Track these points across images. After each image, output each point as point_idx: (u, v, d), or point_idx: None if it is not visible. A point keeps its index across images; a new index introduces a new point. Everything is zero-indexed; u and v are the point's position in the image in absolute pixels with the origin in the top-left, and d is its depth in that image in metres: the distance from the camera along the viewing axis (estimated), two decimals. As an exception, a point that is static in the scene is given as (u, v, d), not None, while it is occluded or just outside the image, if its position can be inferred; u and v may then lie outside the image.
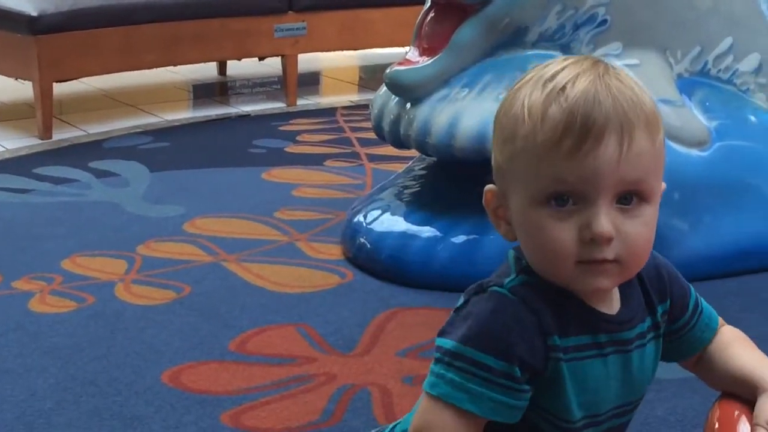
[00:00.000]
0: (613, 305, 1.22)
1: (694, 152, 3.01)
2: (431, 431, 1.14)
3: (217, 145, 4.44)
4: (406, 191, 3.24)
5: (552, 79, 1.14)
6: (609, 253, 1.12)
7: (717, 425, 1.19)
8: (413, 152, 3.28)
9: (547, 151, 1.11)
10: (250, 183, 3.94)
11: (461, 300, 1.20)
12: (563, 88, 1.12)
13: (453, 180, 3.11)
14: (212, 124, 4.83)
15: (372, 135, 3.37)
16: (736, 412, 1.20)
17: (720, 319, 1.36)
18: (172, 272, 3.10)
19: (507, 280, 1.18)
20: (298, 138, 4.53)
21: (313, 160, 4.20)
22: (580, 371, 1.18)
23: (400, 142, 3.12)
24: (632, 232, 1.13)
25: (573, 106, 1.11)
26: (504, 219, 1.20)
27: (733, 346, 1.31)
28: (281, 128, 4.69)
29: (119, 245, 3.31)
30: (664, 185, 1.20)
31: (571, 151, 1.10)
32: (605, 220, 1.11)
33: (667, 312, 1.27)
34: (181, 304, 2.89)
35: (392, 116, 3.10)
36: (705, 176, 3.00)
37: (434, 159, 3.23)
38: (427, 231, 3.00)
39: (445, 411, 1.13)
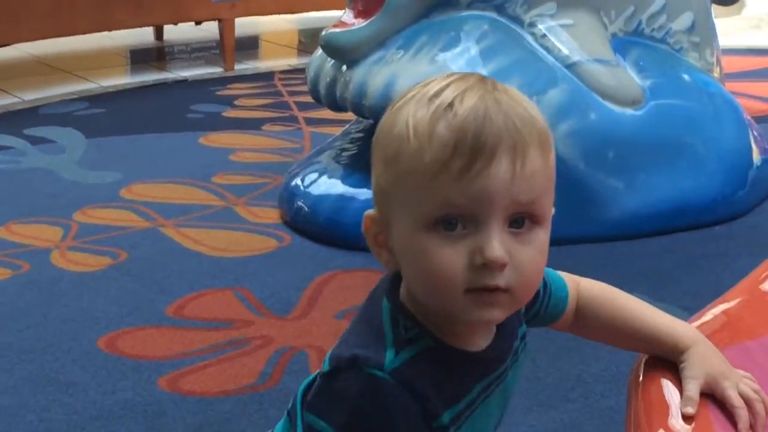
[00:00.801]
0: (489, 335, 1.15)
1: (629, 111, 3.03)
2: None
3: (154, 110, 4.42)
4: (343, 154, 3.24)
5: (437, 95, 1.05)
6: (501, 280, 1.03)
7: (641, 379, 1.21)
8: (350, 115, 3.28)
9: (436, 172, 1.02)
10: (188, 148, 3.93)
11: (328, 366, 1.09)
12: (450, 105, 1.03)
13: (389, 142, 3.11)
14: (149, 89, 4.80)
15: (310, 99, 3.37)
16: (659, 372, 1.20)
17: (573, 280, 1.30)
18: (109, 238, 3.09)
19: (387, 360, 1.07)
20: (236, 102, 4.52)
21: (251, 125, 4.19)
22: (468, 427, 1.13)
23: (336, 105, 3.12)
24: (526, 260, 1.04)
25: (462, 124, 1.02)
26: (385, 247, 1.10)
27: (605, 305, 1.28)
28: (219, 93, 4.67)
29: (55, 212, 3.29)
30: (553, 210, 1.10)
31: (461, 172, 1.01)
32: (498, 244, 1.02)
33: (526, 311, 1.23)
34: (118, 270, 2.88)
35: (328, 79, 3.10)
36: (639, 135, 3.02)
37: (371, 121, 3.23)
38: (364, 193, 3.01)
39: None
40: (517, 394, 2.22)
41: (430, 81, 1.09)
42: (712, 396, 1.16)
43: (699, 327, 1.29)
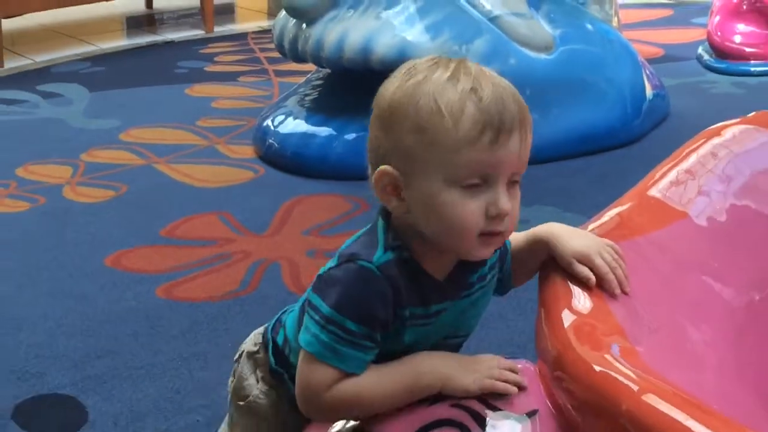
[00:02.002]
0: (448, 270, 1.20)
1: (542, 56, 3.03)
2: (312, 387, 1.15)
3: (147, 67, 4.36)
4: (306, 98, 3.22)
5: (455, 79, 1.12)
6: (503, 226, 1.13)
7: (548, 272, 1.21)
8: (311, 66, 3.26)
9: (468, 143, 1.10)
10: (176, 98, 3.89)
11: (335, 261, 1.17)
12: (473, 90, 1.11)
13: (344, 87, 3.10)
14: (142, 50, 4.74)
15: (278, 54, 3.34)
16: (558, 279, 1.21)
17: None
18: (111, 174, 3.07)
19: (375, 256, 1.15)
20: (216, 59, 4.47)
21: (229, 77, 4.15)
22: (420, 332, 1.19)
23: (298, 58, 3.10)
24: (515, 209, 1.14)
25: (488, 107, 1.10)
26: (395, 195, 1.15)
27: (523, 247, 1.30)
28: (201, 51, 4.62)
29: (65, 154, 3.26)
30: None
31: (491, 143, 1.10)
32: (506, 199, 1.12)
33: (495, 263, 1.26)
34: (119, 201, 2.86)
35: (291, 36, 3.07)
36: (551, 75, 3.02)
37: (328, 70, 3.21)
38: (324, 131, 3.00)
39: (319, 367, 1.14)
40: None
41: (428, 62, 1.16)
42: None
43: (597, 227, 1.30)
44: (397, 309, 1.15)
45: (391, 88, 1.15)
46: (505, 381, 1.16)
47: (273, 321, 1.33)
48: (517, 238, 1.29)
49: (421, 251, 1.17)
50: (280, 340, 1.29)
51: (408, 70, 1.16)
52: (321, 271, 1.18)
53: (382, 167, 1.14)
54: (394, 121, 1.14)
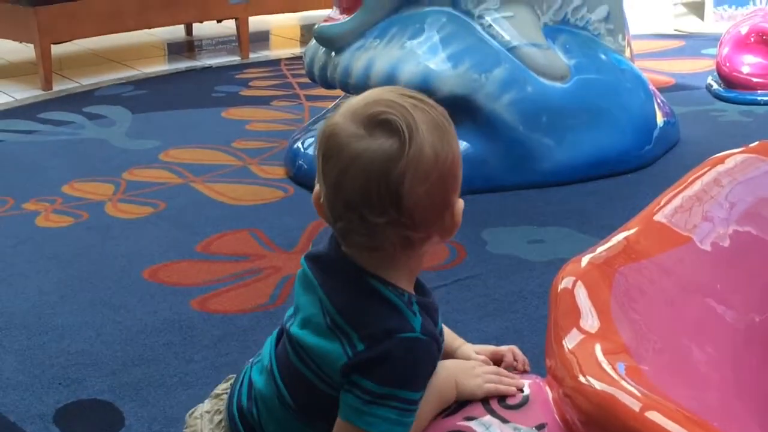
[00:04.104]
0: None
1: (558, 84, 3.02)
2: None
3: (186, 91, 4.39)
4: (334, 122, 3.23)
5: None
6: None
7: (559, 290, 1.21)
8: (339, 92, 3.27)
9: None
10: (213, 120, 3.91)
11: (362, 345, 1.08)
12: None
13: (370, 112, 3.10)
14: (182, 75, 4.77)
15: (309, 80, 3.35)
16: (572, 285, 1.21)
17: None
18: (150, 192, 3.09)
19: (415, 324, 1.09)
20: (251, 84, 4.49)
21: (262, 101, 4.17)
22: None
23: (327, 84, 3.11)
24: None
25: None
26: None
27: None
28: (237, 76, 4.64)
29: (108, 172, 3.28)
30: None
31: None
32: None
33: None
34: (158, 217, 2.88)
35: (321, 63, 3.09)
36: (567, 103, 3.01)
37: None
38: (350, 153, 3.01)
39: None
40: (471, 306, 2.26)
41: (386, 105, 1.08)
42: (617, 306, 1.17)
43: (605, 250, 1.29)
44: None
45: None
46: (500, 383, 1.16)
47: (238, 386, 1.24)
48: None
49: (408, 281, 1.13)
50: (252, 409, 1.20)
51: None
52: (345, 357, 1.09)
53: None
54: (453, 180, 1.14)
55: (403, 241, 1.09)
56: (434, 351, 1.10)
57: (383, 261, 1.11)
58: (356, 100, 1.11)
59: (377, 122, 1.06)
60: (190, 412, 1.29)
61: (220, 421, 1.23)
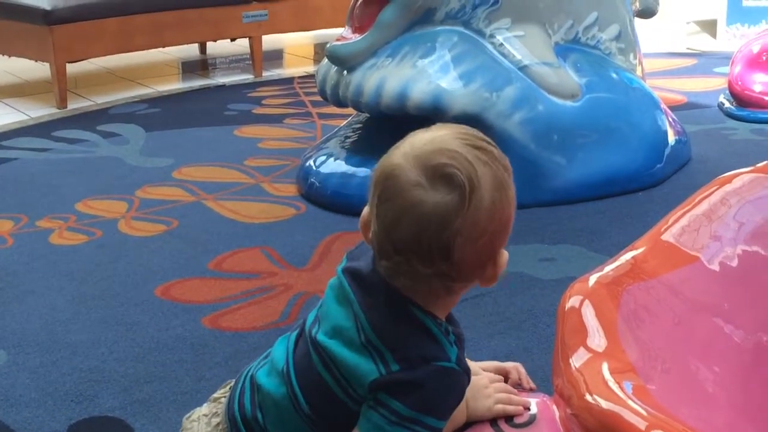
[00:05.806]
0: None
1: (569, 103, 3.03)
2: None
3: (199, 109, 4.41)
4: (346, 140, 3.25)
5: None
6: None
7: (566, 309, 1.22)
8: (351, 110, 3.29)
9: None
10: (225, 138, 3.93)
11: (397, 366, 1.08)
12: None
13: (382, 130, 3.11)
14: (195, 92, 4.79)
15: (321, 99, 3.36)
16: (579, 304, 1.21)
17: None
18: (163, 210, 3.10)
19: (451, 354, 1.10)
20: (263, 102, 4.51)
21: (275, 119, 4.18)
22: None
23: (339, 102, 3.13)
24: None
25: None
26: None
27: None
28: (250, 95, 4.67)
29: (121, 190, 3.30)
30: None
31: None
32: None
33: None
34: (171, 235, 2.89)
35: (333, 82, 3.10)
36: (578, 121, 3.02)
37: (367, 114, 3.23)
38: (362, 171, 3.02)
39: None
40: (482, 324, 2.26)
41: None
42: (624, 320, 1.17)
43: (613, 269, 1.30)
44: None
45: None
46: (510, 402, 1.17)
47: (238, 390, 1.24)
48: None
49: (444, 312, 1.15)
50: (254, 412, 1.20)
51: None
52: (377, 374, 1.10)
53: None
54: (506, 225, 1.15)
55: (445, 289, 1.11)
56: (465, 383, 1.11)
57: (423, 294, 1.13)
58: (421, 142, 1.09)
59: (440, 175, 1.06)
60: (188, 415, 1.29)
61: (218, 424, 1.24)
